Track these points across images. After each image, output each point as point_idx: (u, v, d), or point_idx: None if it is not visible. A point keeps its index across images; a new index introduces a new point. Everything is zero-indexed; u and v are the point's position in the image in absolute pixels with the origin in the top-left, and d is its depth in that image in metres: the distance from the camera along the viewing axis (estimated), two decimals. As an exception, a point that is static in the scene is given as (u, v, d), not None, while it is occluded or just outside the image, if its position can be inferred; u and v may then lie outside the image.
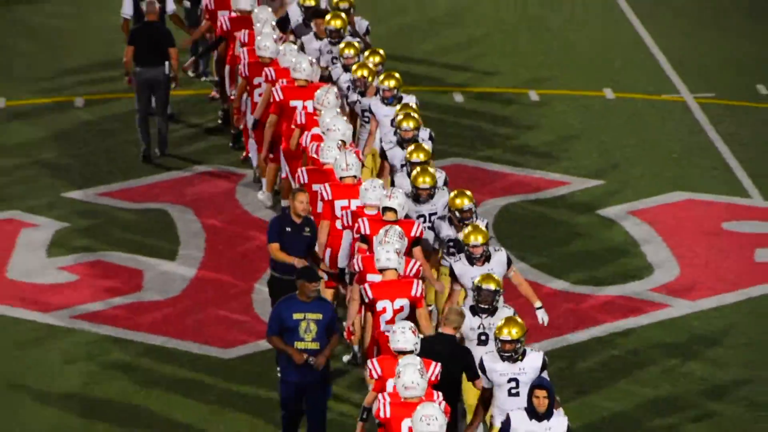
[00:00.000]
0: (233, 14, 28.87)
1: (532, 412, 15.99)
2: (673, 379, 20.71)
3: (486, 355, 17.37)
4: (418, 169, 20.85)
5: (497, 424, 17.15)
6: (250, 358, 21.36)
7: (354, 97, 24.75)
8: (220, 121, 29.61)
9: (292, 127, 24.22)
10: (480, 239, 19.09)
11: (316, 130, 23.74)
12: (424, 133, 24.39)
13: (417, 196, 20.77)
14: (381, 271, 18.99)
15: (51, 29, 35.08)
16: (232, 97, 28.44)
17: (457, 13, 35.56)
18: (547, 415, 15.98)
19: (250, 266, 24.01)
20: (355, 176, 21.98)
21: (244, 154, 27.68)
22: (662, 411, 20.08)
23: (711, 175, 27.04)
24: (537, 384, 16.18)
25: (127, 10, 28.81)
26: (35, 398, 20.58)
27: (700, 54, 32.70)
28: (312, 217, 21.20)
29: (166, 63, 27.94)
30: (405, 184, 21.53)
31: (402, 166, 22.24)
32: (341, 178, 21.95)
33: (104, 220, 25.58)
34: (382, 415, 17.24)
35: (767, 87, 30.70)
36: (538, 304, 19.18)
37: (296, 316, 18.23)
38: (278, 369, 19.03)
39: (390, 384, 17.57)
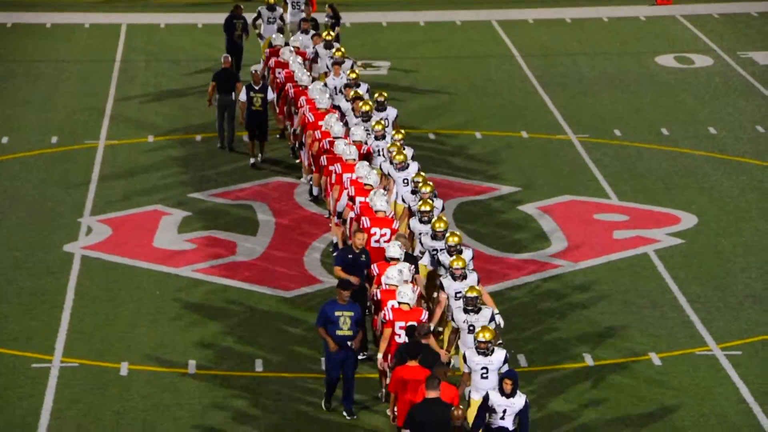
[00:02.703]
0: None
1: (502, 392, 17.94)
2: (560, 314, 24.04)
3: (468, 351, 19.05)
4: (436, 218, 22.47)
5: (475, 398, 18.81)
6: (301, 297, 24.61)
7: (379, 160, 26.27)
8: (278, 136, 31.88)
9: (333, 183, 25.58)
10: (461, 264, 21.00)
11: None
12: (392, 112, 27.95)
13: (435, 235, 22.30)
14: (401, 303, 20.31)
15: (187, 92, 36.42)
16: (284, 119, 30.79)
17: (427, 84, 37.77)
18: (512, 394, 17.91)
19: (301, 241, 26.87)
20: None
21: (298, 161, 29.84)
22: (554, 331, 23.35)
23: (586, 185, 29.88)
24: (506, 375, 18.06)
25: (242, 97, 30.33)
26: (173, 317, 23.78)
27: (580, 109, 35.06)
28: (367, 249, 22.57)
29: (233, 93, 31.19)
30: (418, 226, 22.93)
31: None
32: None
33: (213, 210, 28.33)
34: (388, 318, 20.24)
35: (621, 130, 33.06)
36: (495, 310, 20.38)
37: (336, 313, 20.42)
38: (324, 354, 20.86)
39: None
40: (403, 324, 20.07)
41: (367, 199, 23.29)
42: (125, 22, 41.78)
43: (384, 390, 20.45)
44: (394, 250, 21.73)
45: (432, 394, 17.72)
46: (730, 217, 28.13)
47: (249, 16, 35.58)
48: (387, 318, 20.29)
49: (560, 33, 41.05)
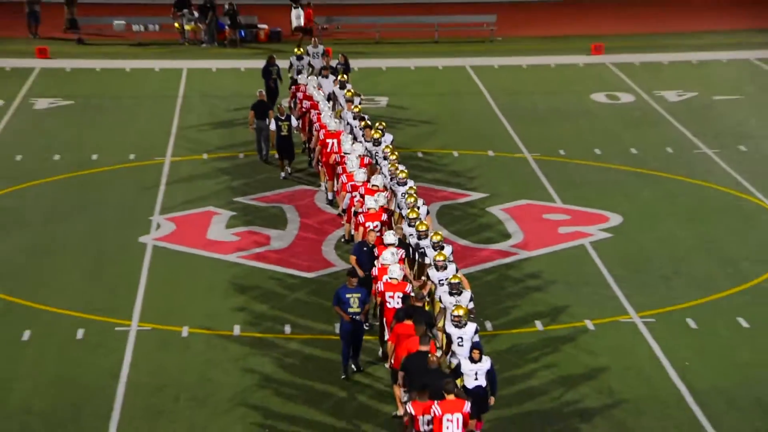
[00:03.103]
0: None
1: (471, 359, 17.85)
2: (518, 291, 24.01)
3: (448, 324, 18.82)
4: (419, 222, 22.08)
5: (452, 362, 18.65)
6: (319, 276, 24.48)
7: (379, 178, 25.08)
8: (302, 150, 31.20)
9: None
10: (442, 258, 20.71)
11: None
12: (389, 137, 27.29)
13: (419, 236, 21.90)
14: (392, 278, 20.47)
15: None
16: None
17: (415, 114, 37.10)
18: (480, 360, 17.82)
19: (320, 234, 26.60)
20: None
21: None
22: (513, 304, 23.34)
23: (538, 192, 29.43)
24: (474, 346, 18.03)
25: (272, 126, 30.01)
26: (221, 292, 23.76)
27: (533, 134, 34.45)
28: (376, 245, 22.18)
29: (266, 119, 30.72)
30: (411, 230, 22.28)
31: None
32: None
33: (252, 211, 28.07)
34: (380, 289, 20.43)
35: (564, 150, 32.48)
36: (469, 292, 19.95)
37: (347, 295, 20.24)
38: (339, 326, 20.75)
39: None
40: (392, 294, 20.29)
41: (383, 259, 21.49)
42: (185, 67, 41.81)
43: (381, 352, 20.63)
44: (390, 237, 21.85)
45: (424, 348, 18.04)
46: (647, 217, 28.03)
47: (282, 63, 35.46)
48: (380, 290, 20.53)
49: (519, 76, 40.94)
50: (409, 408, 17.08)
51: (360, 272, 21.60)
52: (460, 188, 29.80)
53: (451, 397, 16.84)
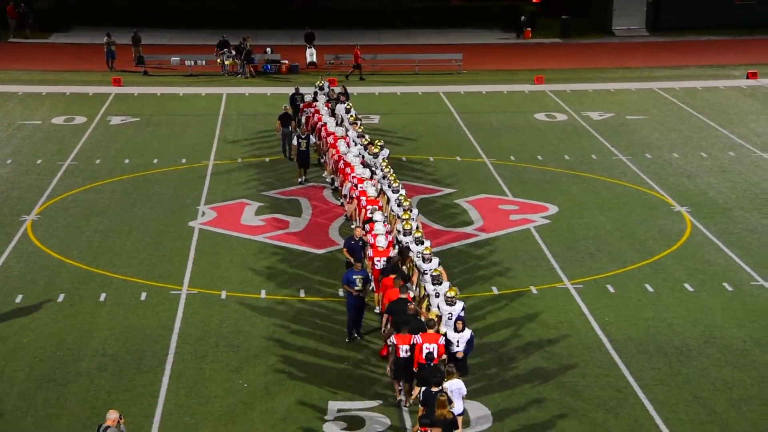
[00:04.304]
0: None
1: (455, 329, 17.33)
2: (478, 264, 23.80)
3: (440, 301, 18.32)
4: (404, 221, 21.35)
5: (442, 330, 17.72)
6: (327, 252, 24.25)
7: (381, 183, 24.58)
8: (317, 161, 30.75)
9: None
10: (429, 250, 20.09)
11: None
12: (385, 152, 26.70)
13: (405, 232, 21.10)
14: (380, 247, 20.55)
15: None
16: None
17: (402, 131, 36.69)
18: (462, 330, 17.29)
19: (329, 218, 26.44)
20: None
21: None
22: (474, 273, 23.15)
23: (494, 188, 29.15)
24: (458, 319, 17.62)
25: (294, 141, 29.40)
26: (252, 264, 23.33)
27: (490, 144, 33.99)
28: (365, 239, 21.34)
29: (289, 127, 30.94)
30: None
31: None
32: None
33: (276, 202, 27.88)
34: (370, 255, 20.45)
35: (514, 156, 32.07)
36: (445, 279, 19.13)
37: (354, 276, 19.57)
38: (346, 301, 20.06)
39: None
40: (378, 258, 20.44)
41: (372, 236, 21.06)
42: (225, 92, 41.48)
43: (384, 331, 19.19)
44: (377, 215, 21.83)
45: (403, 296, 18.35)
46: (576, 208, 27.81)
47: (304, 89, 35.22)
48: (369, 255, 20.59)
49: (479, 100, 40.53)
50: (393, 339, 16.94)
51: (354, 263, 20.37)
52: (435, 185, 29.68)
53: (430, 331, 16.75)
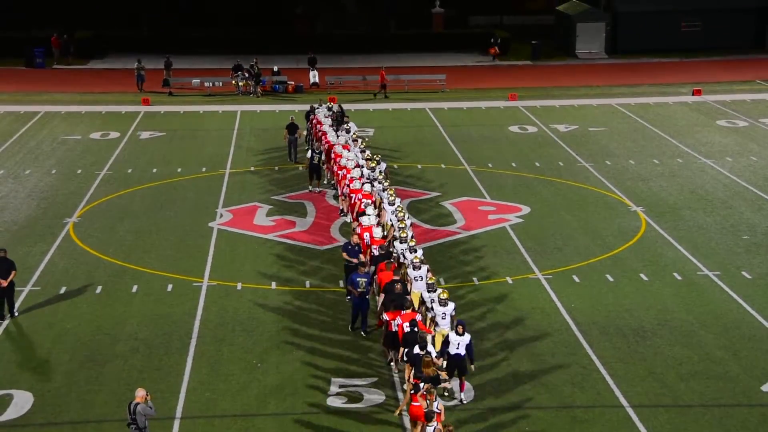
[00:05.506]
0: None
1: (457, 333, 16.69)
2: (461, 258, 23.35)
3: (435, 303, 17.67)
4: (400, 230, 20.73)
5: (437, 329, 17.48)
6: (329, 249, 24.01)
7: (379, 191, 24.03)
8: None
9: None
10: (418, 259, 19.22)
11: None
12: (383, 165, 26.16)
13: (401, 240, 20.35)
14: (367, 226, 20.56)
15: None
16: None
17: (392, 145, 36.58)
18: (463, 334, 16.64)
19: (331, 219, 26.22)
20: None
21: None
22: (458, 267, 22.89)
23: (474, 191, 29.02)
24: (459, 323, 16.83)
25: (309, 154, 28.48)
26: (263, 259, 23.17)
27: (471, 153, 33.63)
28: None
29: (295, 134, 30.98)
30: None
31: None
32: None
33: (284, 205, 27.69)
34: (366, 243, 20.31)
35: (491, 164, 31.61)
36: (432, 279, 18.37)
37: (358, 279, 19.06)
38: (348, 297, 19.82)
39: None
40: (375, 247, 20.37)
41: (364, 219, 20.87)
42: (239, 110, 41.19)
43: (383, 328, 18.28)
44: (369, 209, 21.73)
45: (395, 277, 18.55)
46: (547, 209, 27.62)
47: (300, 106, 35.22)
48: (365, 243, 20.56)
49: (460, 114, 40.25)
50: (385, 316, 17.39)
51: (360, 266, 19.59)
52: (423, 189, 29.46)
53: (408, 311, 17.14)
